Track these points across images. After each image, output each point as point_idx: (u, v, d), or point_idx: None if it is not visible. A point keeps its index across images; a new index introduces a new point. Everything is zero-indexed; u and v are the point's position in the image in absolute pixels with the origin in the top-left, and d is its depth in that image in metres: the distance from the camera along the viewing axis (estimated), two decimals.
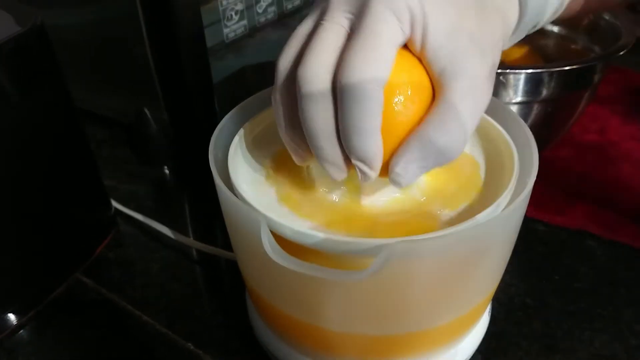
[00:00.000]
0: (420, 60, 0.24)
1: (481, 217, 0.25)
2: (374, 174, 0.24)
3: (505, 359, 0.34)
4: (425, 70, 0.24)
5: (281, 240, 0.25)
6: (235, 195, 0.26)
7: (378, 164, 0.24)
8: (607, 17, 0.48)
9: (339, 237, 0.24)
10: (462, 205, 0.27)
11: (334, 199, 0.28)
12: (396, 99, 0.23)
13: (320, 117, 0.23)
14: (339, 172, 0.25)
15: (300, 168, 0.29)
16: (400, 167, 0.23)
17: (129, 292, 0.40)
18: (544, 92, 0.42)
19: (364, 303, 0.26)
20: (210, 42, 0.49)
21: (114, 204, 0.47)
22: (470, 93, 0.23)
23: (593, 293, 0.38)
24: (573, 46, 0.51)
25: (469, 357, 0.33)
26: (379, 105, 0.22)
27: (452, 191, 0.28)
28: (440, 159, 0.24)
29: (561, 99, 0.43)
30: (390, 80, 0.23)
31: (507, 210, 0.25)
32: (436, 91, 0.24)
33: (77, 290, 0.41)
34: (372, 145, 0.23)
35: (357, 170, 0.24)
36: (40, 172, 0.38)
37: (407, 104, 0.23)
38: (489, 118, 0.32)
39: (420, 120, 0.24)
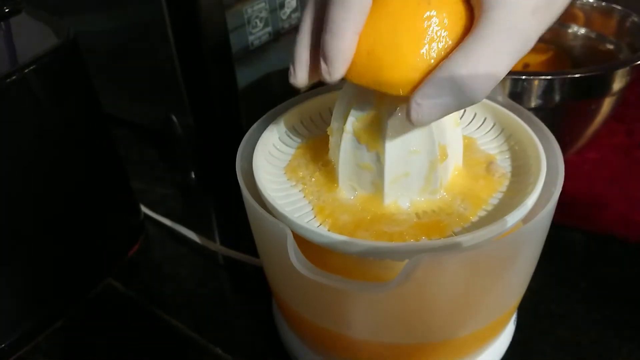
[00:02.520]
0: None
1: (505, 227, 0.25)
2: (331, 75, 0.24)
3: None
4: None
5: (307, 247, 0.25)
6: (262, 204, 0.27)
7: (338, 65, 0.24)
8: (635, 19, 0.48)
9: (366, 241, 0.24)
10: (486, 212, 0.27)
11: (358, 202, 0.28)
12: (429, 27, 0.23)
13: (308, 18, 0.24)
14: (297, 72, 0.25)
15: (325, 172, 0.30)
16: (416, 100, 0.22)
17: (159, 296, 0.41)
18: (568, 97, 0.42)
19: (389, 313, 0.26)
20: (235, 47, 0.50)
21: (143, 209, 0.48)
22: (507, 28, 0.21)
23: (620, 300, 0.38)
24: (601, 48, 0.51)
25: None
26: (358, 6, 0.23)
27: (478, 198, 0.28)
28: (460, 97, 0.22)
29: (586, 104, 0.43)
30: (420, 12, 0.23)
31: (533, 222, 0.25)
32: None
33: (108, 294, 0.42)
34: (338, 44, 0.23)
35: (321, 68, 0.24)
36: (71, 179, 0.39)
37: (439, 33, 0.23)
38: (520, 121, 0.31)
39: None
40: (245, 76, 0.52)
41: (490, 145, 0.32)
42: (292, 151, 0.32)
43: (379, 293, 0.24)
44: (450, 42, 0.23)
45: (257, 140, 0.32)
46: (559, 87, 0.41)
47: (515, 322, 0.34)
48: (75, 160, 0.39)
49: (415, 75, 0.23)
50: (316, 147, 0.32)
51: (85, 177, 0.40)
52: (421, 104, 0.22)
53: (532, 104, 0.41)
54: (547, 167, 0.28)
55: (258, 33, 0.51)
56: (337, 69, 0.24)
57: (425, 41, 0.23)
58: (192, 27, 0.48)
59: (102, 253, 0.43)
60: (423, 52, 0.23)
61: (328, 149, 0.30)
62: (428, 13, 0.23)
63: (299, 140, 0.33)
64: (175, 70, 0.51)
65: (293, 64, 0.25)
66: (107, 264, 0.43)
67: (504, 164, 0.30)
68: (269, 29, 0.52)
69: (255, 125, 0.33)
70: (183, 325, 0.39)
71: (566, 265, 0.40)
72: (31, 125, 0.35)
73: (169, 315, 0.39)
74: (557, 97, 0.41)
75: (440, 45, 0.23)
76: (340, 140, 0.28)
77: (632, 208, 0.44)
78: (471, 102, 0.22)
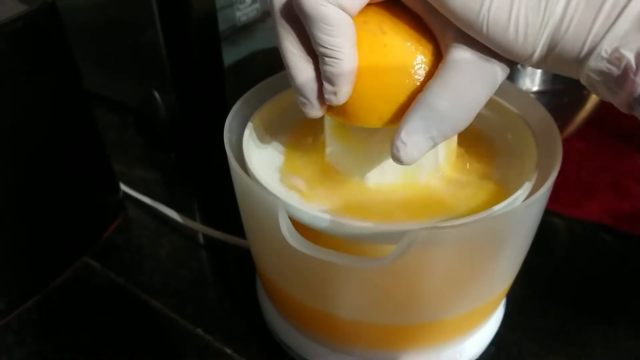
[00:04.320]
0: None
1: (500, 207, 0.24)
2: (338, 98, 0.23)
3: (519, 351, 0.34)
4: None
5: (296, 225, 0.24)
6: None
7: (346, 86, 0.22)
8: None
9: (358, 222, 0.23)
10: (483, 194, 0.26)
11: (350, 182, 0.27)
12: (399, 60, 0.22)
13: (289, 43, 0.23)
14: (313, 103, 0.23)
15: (317, 152, 0.29)
16: (401, 139, 0.21)
17: (137, 276, 0.40)
18: (561, 82, 0.42)
19: (381, 291, 0.25)
20: (222, 25, 0.48)
21: (123, 187, 0.46)
22: (479, 60, 0.21)
23: (608, 286, 0.37)
24: None
25: (483, 349, 0.32)
26: (342, 23, 0.21)
27: (474, 180, 0.27)
28: (443, 129, 0.21)
29: (578, 90, 0.43)
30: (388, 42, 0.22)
31: (530, 201, 0.24)
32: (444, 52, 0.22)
33: (84, 273, 0.40)
34: (342, 66, 0.22)
35: (325, 93, 0.23)
36: (47, 154, 0.37)
37: (410, 66, 0.22)
38: (509, 106, 0.31)
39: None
40: (231, 54, 0.51)
41: (483, 129, 0.31)
42: (283, 137, 0.31)
43: (374, 267, 0.23)
44: (415, 70, 0.22)
45: (246, 114, 0.31)
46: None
47: (505, 306, 0.34)
48: (52, 135, 0.37)
49: (383, 105, 0.23)
50: (311, 125, 0.31)
51: (62, 153, 0.38)
52: (407, 142, 0.21)
53: (524, 88, 0.41)
54: (543, 146, 0.28)
55: (246, 9, 0.50)
56: (345, 91, 0.23)
57: (386, 71, 0.22)
58: (179, 2, 0.46)
59: (78, 232, 0.41)
60: (386, 82, 0.23)
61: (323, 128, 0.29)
62: (384, 43, 0.22)
63: (294, 115, 0.32)
64: (159, 45, 0.49)
65: (305, 96, 0.23)
66: (83, 243, 0.42)
67: (497, 147, 0.30)
68: (257, 5, 0.50)
69: (244, 97, 0.31)
70: (162, 305, 0.37)
71: (554, 253, 0.40)
72: (4, 96, 0.33)
73: (147, 295, 0.38)
74: (548, 81, 0.41)
75: (402, 74, 0.22)
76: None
77: (619, 197, 0.44)
78: (454, 132, 0.22)
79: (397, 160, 0.22)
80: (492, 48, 0.21)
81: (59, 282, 0.39)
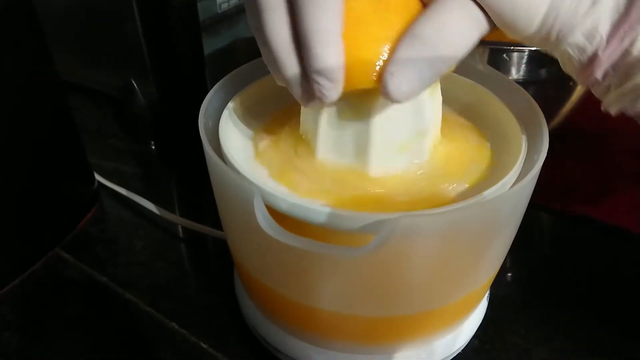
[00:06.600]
0: None
1: (487, 194, 0.24)
2: (334, 89, 0.21)
3: (502, 345, 0.33)
4: None
5: (274, 215, 0.23)
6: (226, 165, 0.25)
7: (338, 75, 0.21)
8: None
9: (338, 210, 0.22)
10: (468, 182, 0.26)
11: (331, 171, 0.26)
12: None
13: (276, 28, 0.21)
14: (303, 93, 0.22)
15: (296, 140, 0.28)
16: (389, 70, 0.20)
17: (112, 269, 0.38)
18: (547, 72, 0.41)
19: (361, 281, 0.24)
20: (202, 15, 0.47)
21: (98, 177, 0.45)
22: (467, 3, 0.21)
23: (593, 280, 0.37)
24: None
25: (466, 342, 0.32)
26: (337, 5, 0.20)
27: (458, 169, 0.27)
28: (431, 62, 0.21)
29: (564, 81, 0.42)
30: None
31: (516, 188, 0.23)
32: None
33: (56, 266, 0.39)
34: (330, 52, 0.20)
35: (316, 86, 0.21)
36: (18, 143, 0.36)
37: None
38: (493, 95, 0.30)
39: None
40: (211, 44, 0.50)
41: (466, 117, 0.31)
42: (260, 124, 0.30)
43: (354, 256, 0.22)
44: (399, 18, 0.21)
45: (223, 99, 0.30)
46: (536, 61, 0.40)
47: (489, 299, 0.33)
48: (25, 124, 0.36)
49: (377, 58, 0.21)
50: (289, 112, 0.30)
51: (34, 142, 0.37)
52: (394, 73, 0.20)
53: (511, 77, 0.40)
54: (530, 135, 0.27)
55: None
56: (339, 81, 0.21)
57: (382, 22, 0.21)
58: None
59: (50, 223, 0.40)
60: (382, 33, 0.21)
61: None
62: None
63: (272, 101, 0.31)
64: (138, 34, 0.48)
65: (296, 86, 0.22)
66: (55, 235, 0.40)
67: (483, 136, 0.29)
68: None
69: (220, 82, 0.30)
70: (137, 299, 0.36)
71: (539, 245, 0.40)
72: None
73: (122, 288, 0.37)
74: (534, 71, 0.40)
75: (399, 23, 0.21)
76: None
77: (604, 190, 0.44)
78: (440, 69, 0.21)
79: (386, 94, 0.21)
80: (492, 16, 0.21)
81: (29, 274, 0.38)
